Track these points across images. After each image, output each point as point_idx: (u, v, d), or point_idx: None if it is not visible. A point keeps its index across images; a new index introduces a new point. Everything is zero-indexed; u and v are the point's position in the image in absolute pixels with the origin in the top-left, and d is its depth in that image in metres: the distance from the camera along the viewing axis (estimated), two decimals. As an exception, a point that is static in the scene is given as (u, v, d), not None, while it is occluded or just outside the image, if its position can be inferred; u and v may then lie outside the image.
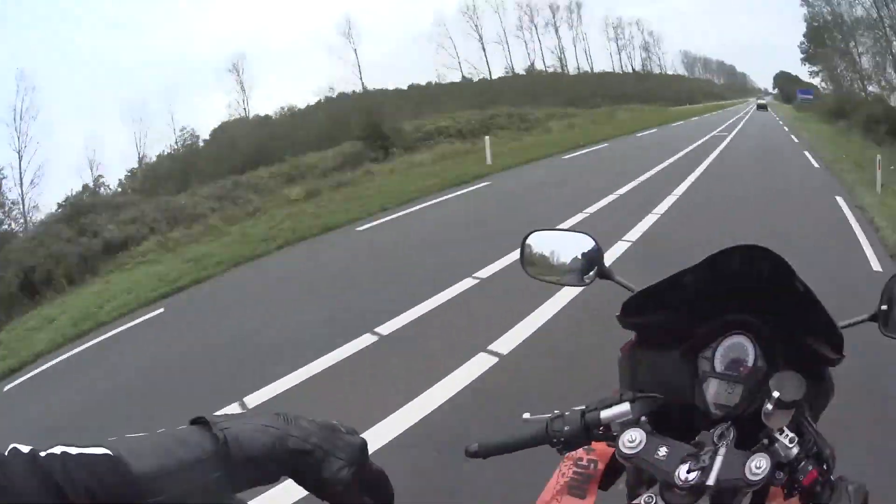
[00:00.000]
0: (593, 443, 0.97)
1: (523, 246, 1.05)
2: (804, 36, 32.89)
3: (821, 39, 30.80)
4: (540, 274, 1.04)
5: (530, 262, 1.04)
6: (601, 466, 0.98)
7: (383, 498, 0.62)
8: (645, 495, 0.77)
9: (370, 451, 0.59)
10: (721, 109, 47.64)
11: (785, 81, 63.96)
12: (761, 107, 49.16)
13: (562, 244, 1.00)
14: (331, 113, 29.78)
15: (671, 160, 13.14)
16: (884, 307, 0.89)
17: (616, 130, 22.82)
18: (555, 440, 0.84)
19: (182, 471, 0.48)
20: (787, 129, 25.02)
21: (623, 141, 19.70)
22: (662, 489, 0.76)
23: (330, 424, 0.58)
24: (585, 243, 0.97)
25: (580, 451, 1.00)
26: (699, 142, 17.90)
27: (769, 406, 0.72)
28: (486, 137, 16.45)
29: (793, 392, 0.72)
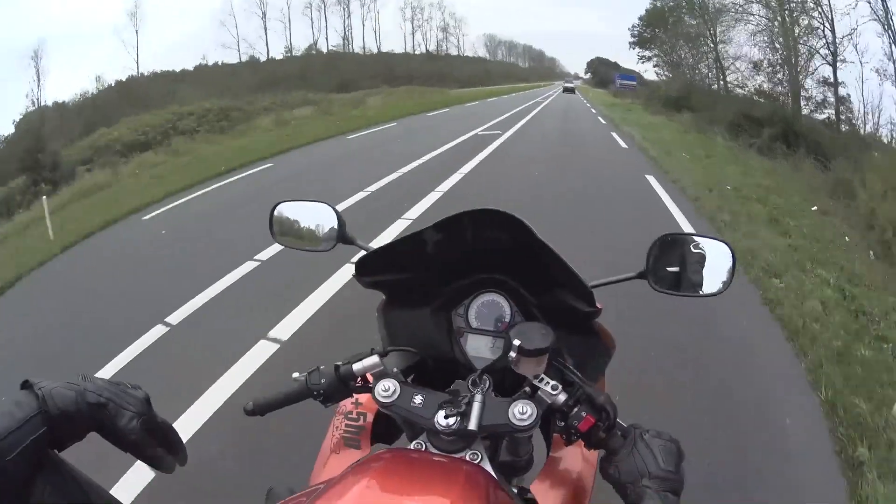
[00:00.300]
0: (360, 396, 1.02)
1: (272, 216, 1.07)
2: (640, 18, 28.19)
3: (663, 21, 26.12)
4: (288, 242, 1.08)
5: (280, 231, 1.07)
6: (370, 418, 1.02)
7: (175, 448, 0.69)
8: (416, 440, 0.81)
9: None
10: (517, 92, 41.98)
11: (600, 66, 62.21)
12: (568, 90, 47.04)
13: (306, 214, 1.05)
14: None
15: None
16: (651, 262, 0.96)
17: (331, 130, 15.15)
18: (315, 393, 0.86)
19: (11, 433, 0.55)
20: (603, 122, 18.20)
21: (308, 156, 11.60)
22: (430, 436, 0.79)
23: (116, 381, 0.65)
24: (327, 212, 1.02)
25: (349, 406, 1.03)
26: (432, 154, 10.05)
27: (513, 354, 0.76)
28: (44, 199, 9.47)
29: (536, 341, 0.76)
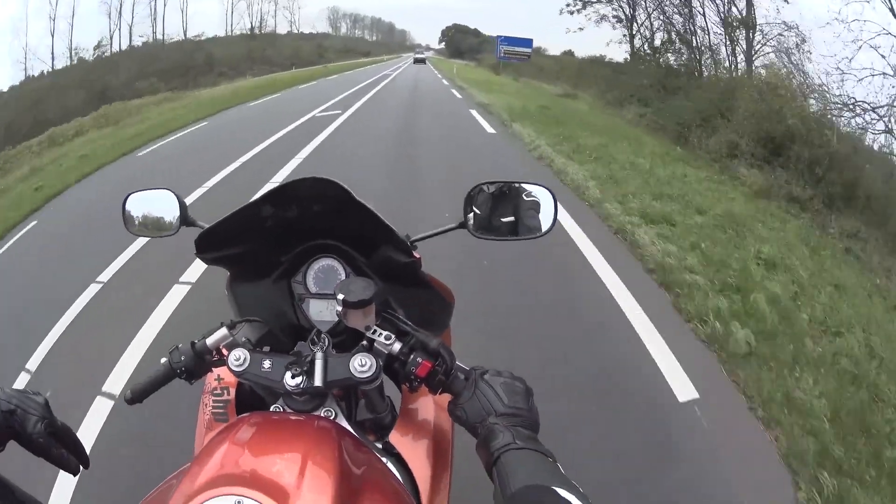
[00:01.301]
0: (222, 371, 1.03)
1: (123, 207, 1.10)
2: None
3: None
4: (139, 231, 1.12)
5: (130, 221, 1.11)
6: (233, 391, 1.04)
7: (75, 450, 0.72)
8: (275, 404, 0.84)
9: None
10: (356, 69, 33.48)
11: (456, 34, 56.58)
12: (419, 61, 42.57)
13: (153, 201, 1.09)
14: None
15: None
16: (469, 215, 1.00)
17: (118, 149, 9.85)
18: (178, 372, 0.87)
19: None
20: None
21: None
22: (286, 399, 0.82)
23: (19, 389, 0.69)
24: (170, 198, 1.06)
25: (213, 382, 1.05)
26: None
27: (339, 308, 0.79)
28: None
29: (358, 293, 0.78)
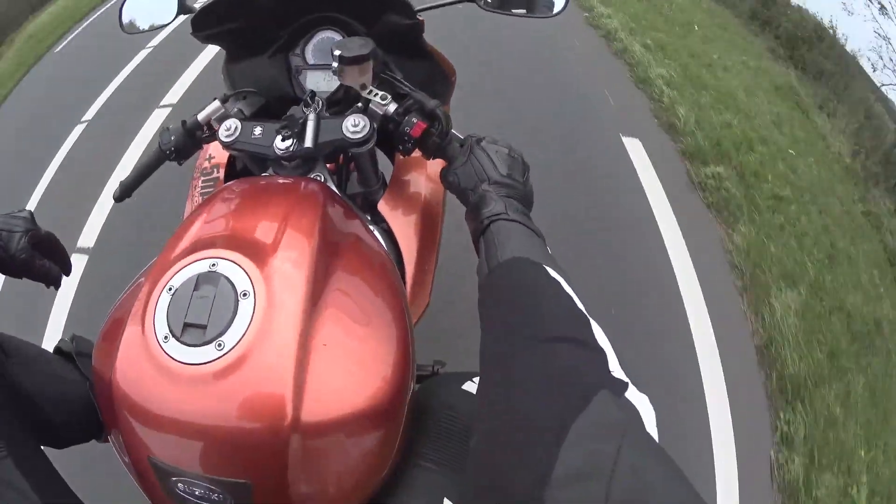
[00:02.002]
0: (212, 150, 1.06)
1: (120, 12, 1.10)
2: None
3: None
4: (135, 30, 1.13)
5: (128, 23, 1.12)
6: (223, 169, 1.04)
7: (60, 258, 0.72)
8: (265, 173, 0.83)
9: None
10: None
11: None
12: None
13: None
14: None
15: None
16: None
17: None
18: (168, 152, 0.85)
19: None
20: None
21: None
22: (276, 167, 0.80)
23: (5, 212, 0.67)
24: None
25: (204, 163, 1.06)
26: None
27: (335, 65, 0.76)
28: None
29: (354, 49, 0.75)
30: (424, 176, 1.01)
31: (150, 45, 4.68)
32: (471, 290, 0.62)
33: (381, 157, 1.02)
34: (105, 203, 2.92)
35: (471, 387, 0.67)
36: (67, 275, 0.74)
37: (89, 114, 3.93)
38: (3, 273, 0.65)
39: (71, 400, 0.65)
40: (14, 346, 0.64)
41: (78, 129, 3.80)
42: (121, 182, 0.91)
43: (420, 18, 0.88)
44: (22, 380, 0.60)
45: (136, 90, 4.04)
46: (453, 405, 0.65)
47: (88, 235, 2.77)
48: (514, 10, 1.00)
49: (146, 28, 1.13)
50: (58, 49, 6.18)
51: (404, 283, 0.90)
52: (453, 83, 1.02)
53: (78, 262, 2.52)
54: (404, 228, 0.95)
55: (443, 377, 0.78)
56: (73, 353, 0.71)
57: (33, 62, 5.82)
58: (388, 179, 1.03)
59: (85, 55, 5.68)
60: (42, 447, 0.59)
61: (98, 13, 6.72)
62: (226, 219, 0.63)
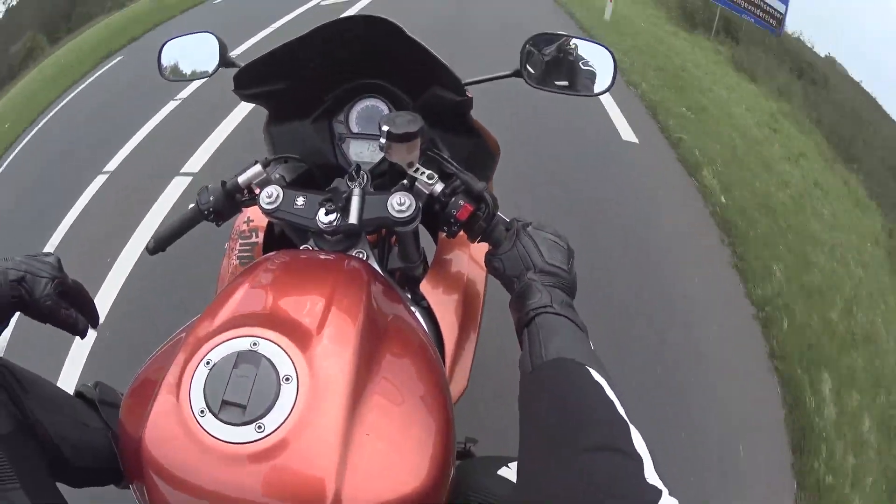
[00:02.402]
0: (251, 213, 1.03)
1: (159, 57, 1.08)
2: None
3: None
4: (176, 76, 1.10)
5: (167, 68, 1.09)
6: (262, 234, 1.02)
7: (87, 309, 0.70)
8: (304, 245, 0.81)
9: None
10: None
11: None
12: None
13: (192, 46, 1.06)
14: None
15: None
16: (528, 68, 0.94)
17: None
18: (206, 213, 0.85)
19: None
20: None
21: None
22: (317, 240, 0.79)
23: (30, 255, 0.66)
24: (209, 41, 1.02)
25: (242, 226, 1.05)
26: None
27: (382, 140, 0.74)
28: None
29: (403, 126, 0.73)
30: (467, 256, 1.00)
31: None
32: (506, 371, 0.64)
33: (423, 232, 1.00)
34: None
35: (507, 472, 0.67)
36: (94, 327, 0.72)
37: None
38: (28, 316, 0.65)
39: (93, 447, 0.65)
40: (32, 383, 0.63)
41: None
42: (154, 234, 0.89)
43: (469, 95, 0.86)
44: (41, 418, 0.60)
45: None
46: (490, 490, 0.65)
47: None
48: (556, 83, 0.97)
49: (186, 75, 1.11)
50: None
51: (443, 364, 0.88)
52: (497, 159, 0.99)
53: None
54: (445, 308, 0.93)
55: (479, 460, 0.78)
56: (96, 401, 0.70)
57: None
58: (427, 255, 1.01)
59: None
60: (58, 483, 0.59)
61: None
62: (267, 294, 0.63)
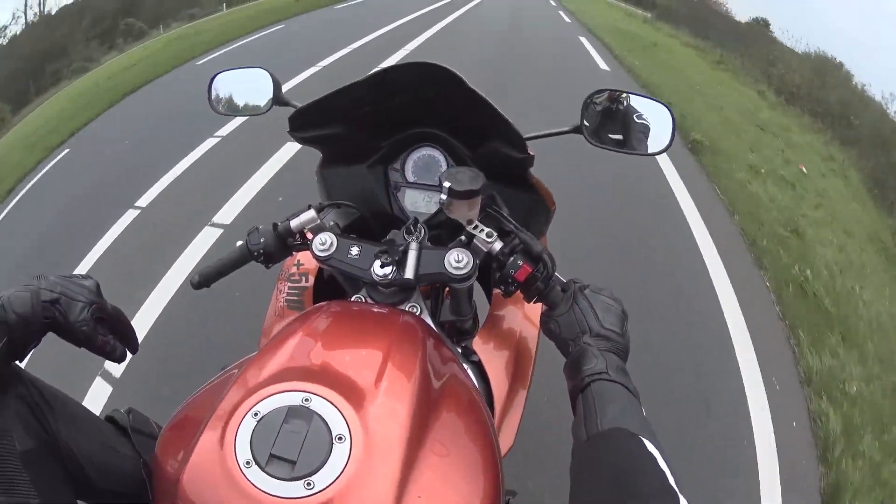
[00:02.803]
0: (302, 257, 1.02)
1: (210, 88, 1.07)
2: None
3: None
4: (227, 110, 1.09)
5: (218, 100, 1.08)
6: (312, 278, 1.01)
7: (126, 336, 0.69)
8: (356, 295, 0.79)
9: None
10: None
11: None
12: None
13: (244, 80, 1.06)
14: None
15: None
16: (585, 122, 0.94)
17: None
18: (256, 254, 0.84)
19: None
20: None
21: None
22: (370, 290, 0.78)
23: (67, 275, 0.64)
24: (263, 76, 1.02)
25: (292, 268, 1.03)
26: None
27: (444, 196, 0.74)
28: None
29: (466, 183, 0.73)
30: (521, 313, 0.99)
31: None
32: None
33: (476, 285, 0.97)
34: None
35: None
36: (134, 353, 0.70)
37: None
38: (62, 338, 0.63)
39: (121, 472, 0.64)
40: (61, 402, 0.62)
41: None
42: (200, 271, 0.88)
43: (531, 153, 0.85)
44: (66, 436, 0.59)
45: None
46: None
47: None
48: (615, 147, 0.96)
49: (238, 109, 1.10)
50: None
51: None
52: (553, 214, 0.98)
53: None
54: (496, 365, 0.92)
55: None
56: (128, 428, 0.69)
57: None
58: (479, 307, 0.98)
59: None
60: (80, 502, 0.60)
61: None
62: (320, 348, 0.62)
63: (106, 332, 0.65)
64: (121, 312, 0.69)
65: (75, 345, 0.64)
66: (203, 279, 0.88)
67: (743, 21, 17.33)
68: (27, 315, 0.58)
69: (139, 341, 0.71)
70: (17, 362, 0.59)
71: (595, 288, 0.74)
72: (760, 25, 16.93)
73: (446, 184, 0.73)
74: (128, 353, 0.69)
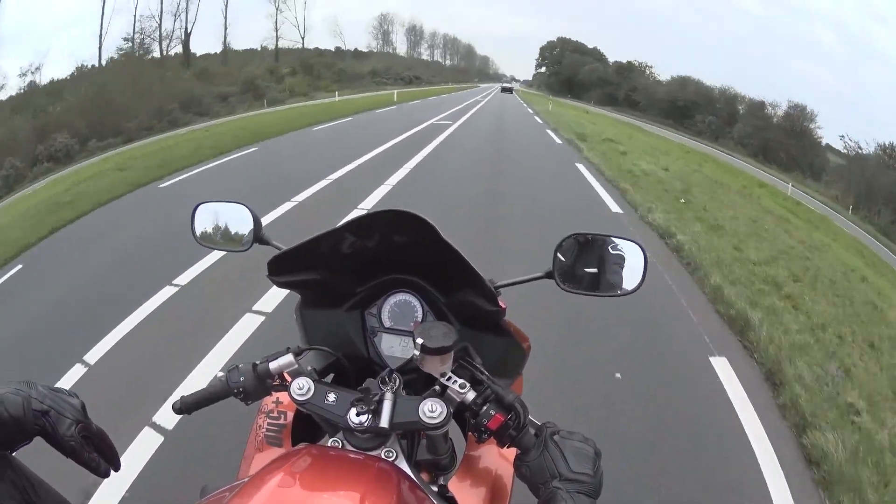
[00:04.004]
0: (281, 395, 1.02)
1: (193, 217, 1.08)
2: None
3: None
4: (208, 242, 1.09)
5: (199, 231, 1.09)
6: (290, 417, 1.03)
7: (108, 454, 0.72)
8: (333, 438, 0.82)
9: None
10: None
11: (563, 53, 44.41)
12: (506, 90, 44.78)
13: (225, 214, 1.07)
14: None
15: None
16: (559, 265, 0.97)
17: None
18: (235, 391, 0.86)
19: None
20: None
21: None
22: (346, 434, 0.80)
23: (56, 389, 0.69)
24: (244, 213, 1.04)
25: (271, 404, 1.04)
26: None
27: (416, 352, 0.77)
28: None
29: (438, 340, 0.76)
30: (497, 451, 1.00)
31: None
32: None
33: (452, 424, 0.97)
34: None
35: None
36: (117, 470, 0.75)
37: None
38: (51, 445, 0.66)
39: None
40: (45, 490, 0.67)
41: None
42: (182, 397, 0.90)
43: (503, 306, 0.89)
44: None
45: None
46: None
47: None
48: (585, 291, 0.98)
49: (219, 243, 1.12)
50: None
51: None
52: (527, 354, 0.99)
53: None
54: (471, 503, 0.94)
55: None
56: None
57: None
58: (456, 443, 1.00)
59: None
60: None
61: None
62: (300, 490, 0.65)
63: (91, 449, 0.69)
64: (104, 433, 0.72)
65: (63, 454, 0.67)
66: (184, 406, 0.89)
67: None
68: (20, 417, 0.63)
69: (120, 460, 0.75)
70: (8, 452, 0.65)
71: (566, 433, 0.76)
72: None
73: (419, 340, 0.76)
74: (111, 469, 0.73)
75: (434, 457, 0.92)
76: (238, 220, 1.05)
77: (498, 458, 1.00)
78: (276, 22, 39.33)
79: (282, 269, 0.90)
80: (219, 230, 1.08)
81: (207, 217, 1.09)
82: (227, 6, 33.99)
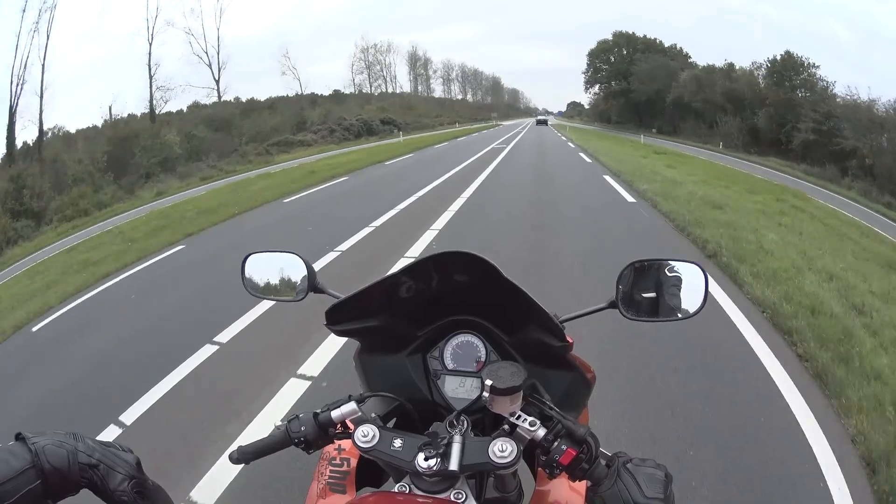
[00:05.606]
0: (343, 441, 1.00)
1: (243, 267, 1.09)
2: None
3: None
4: (260, 292, 1.09)
5: (251, 281, 1.09)
6: (354, 463, 1.02)
7: None
8: (400, 483, 0.81)
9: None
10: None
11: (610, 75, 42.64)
12: (541, 122, 48.12)
13: (277, 264, 1.07)
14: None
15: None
16: (620, 294, 0.97)
17: None
18: (296, 441, 0.85)
19: (8, 481, 0.58)
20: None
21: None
22: (413, 478, 0.80)
23: (108, 443, 0.67)
24: (297, 262, 1.04)
25: (333, 451, 1.03)
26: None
27: (486, 394, 0.77)
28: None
29: (507, 380, 0.76)
30: (567, 485, 0.98)
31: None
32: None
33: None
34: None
35: None
36: None
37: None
38: (103, 500, 0.65)
39: None
40: None
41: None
42: (240, 447, 0.88)
43: (570, 340, 0.87)
44: None
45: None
46: None
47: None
48: (648, 317, 0.98)
49: (272, 294, 1.12)
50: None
51: None
52: (592, 385, 0.99)
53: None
54: None
55: None
56: None
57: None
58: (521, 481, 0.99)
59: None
60: None
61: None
62: None
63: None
64: (161, 489, 0.71)
65: None
66: (242, 456, 0.88)
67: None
68: (64, 470, 0.62)
69: None
70: (50, 502, 0.62)
71: (638, 460, 0.76)
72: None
73: (488, 381, 0.75)
74: None
75: (502, 494, 0.91)
76: (290, 268, 1.05)
77: (569, 492, 0.98)
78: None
79: (339, 317, 0.89)
80: (271, 280, 1.08)
81: (260, 267, 1.09)
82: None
